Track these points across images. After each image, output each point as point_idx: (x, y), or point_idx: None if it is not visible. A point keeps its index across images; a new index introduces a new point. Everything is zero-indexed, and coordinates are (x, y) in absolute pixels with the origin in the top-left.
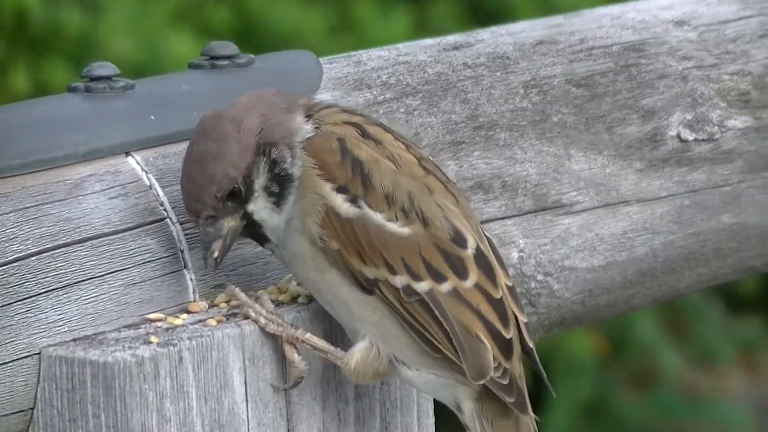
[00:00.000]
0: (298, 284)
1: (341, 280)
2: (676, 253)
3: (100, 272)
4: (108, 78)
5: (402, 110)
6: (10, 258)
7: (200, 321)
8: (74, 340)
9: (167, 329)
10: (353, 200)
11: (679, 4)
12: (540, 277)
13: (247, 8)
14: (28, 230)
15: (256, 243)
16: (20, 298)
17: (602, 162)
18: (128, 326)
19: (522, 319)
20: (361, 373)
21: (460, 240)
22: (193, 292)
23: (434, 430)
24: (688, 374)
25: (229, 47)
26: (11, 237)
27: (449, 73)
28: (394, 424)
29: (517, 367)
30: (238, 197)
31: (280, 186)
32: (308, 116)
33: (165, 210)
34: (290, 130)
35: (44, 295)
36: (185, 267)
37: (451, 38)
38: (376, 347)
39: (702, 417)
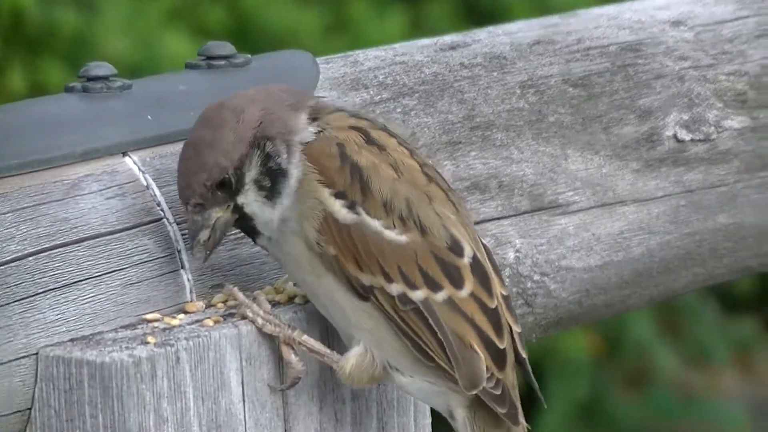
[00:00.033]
0: (295, 285)
1: (337, 286)
2: (672, 253)
3: (97, 272)
4: (105, 78)
5: (399, 110)
6: (8, 258)
7: (197, 321)
8: (72, 340)
9: (164, 329)
10: (351, 206)
11: (675, 5)
12: (536, 277)
13: (242, 8)
14: (25, 230)
15: (252, 243)
16: (18, 298)
17: (599, 162)
18: (125, 326)
19: (516, 329)
20: (356, 377)
21: (456, 248)
22: (190, 292)
23: (431, 430)
24: (683, 374)
25: (226, 47)
26: (9, 237)
27: (446, 73)
28: (390, 425)
29: (510, 376)
30: (228, 188)
31: (272, 180)
32: (314, 118)
33: (162, 210)
34: (290, 127)
35: (42, 295)
36: (182, 267)
37: (448, 38)
38: (371, 353)
39: (697, 417)
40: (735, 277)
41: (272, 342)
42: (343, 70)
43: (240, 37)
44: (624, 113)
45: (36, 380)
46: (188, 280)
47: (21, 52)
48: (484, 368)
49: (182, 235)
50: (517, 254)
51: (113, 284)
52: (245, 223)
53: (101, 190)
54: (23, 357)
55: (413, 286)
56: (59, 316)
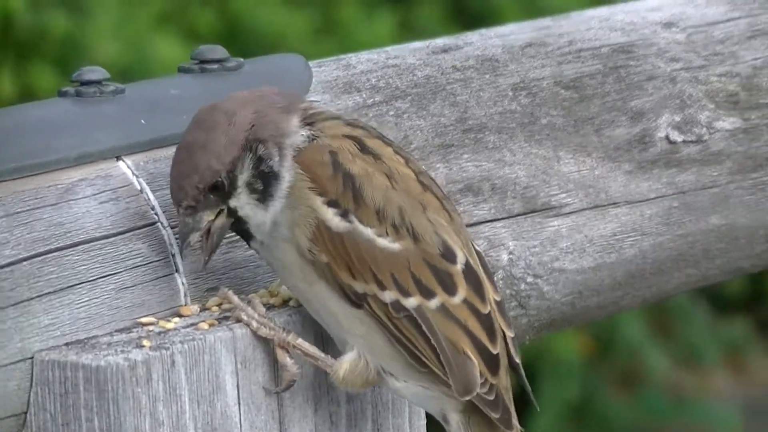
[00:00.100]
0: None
1: (329, 293)
2: (665, 254)
3: (92, 276)
4: (98, 82)
5: (391, 113)
6: (2, 263)
7: (192, 324)
8: (67, 344)
9: (159, 333)
10: (344, 214)
11: (667, 6)
12: (530, 279)
13: (231, 11)
14: (19, 235)
15: (247, 247)
16: (12, 302)
17: (591, 164)
18: (120, 330)
19: (509, 334)
20: (350, 382)
21: (449, 255)
22: (185, 295)
23: (426, 431)
24: (674, 375)
25: (219, 51)
26: (3, 242)
27: (438, 75)
28: (385, 426)
29: (503, 381)
30: (221, 191)
31: (264, 183)
32: (308, 123)
33: (156, 214)
34: (282, 129)
35: (36, 299)
36: (176, 271)
37: (440, 41)
38: (364, 358)
39: (688, 417)
40: (727, 278)
41: (267, 345)
42: (336, 73)
43: (230, 40)
44: (616, 115)
45: (31, 384)
46: (183, 283)
47: (11, 56)
48: (478, 374)
49: (176, 238)
50: (511, 256)
51: (108, 288)
52: (239, 226)
53: (95, 195)
54: (18, 361)
55: (406, 294)
56: (54, 320)
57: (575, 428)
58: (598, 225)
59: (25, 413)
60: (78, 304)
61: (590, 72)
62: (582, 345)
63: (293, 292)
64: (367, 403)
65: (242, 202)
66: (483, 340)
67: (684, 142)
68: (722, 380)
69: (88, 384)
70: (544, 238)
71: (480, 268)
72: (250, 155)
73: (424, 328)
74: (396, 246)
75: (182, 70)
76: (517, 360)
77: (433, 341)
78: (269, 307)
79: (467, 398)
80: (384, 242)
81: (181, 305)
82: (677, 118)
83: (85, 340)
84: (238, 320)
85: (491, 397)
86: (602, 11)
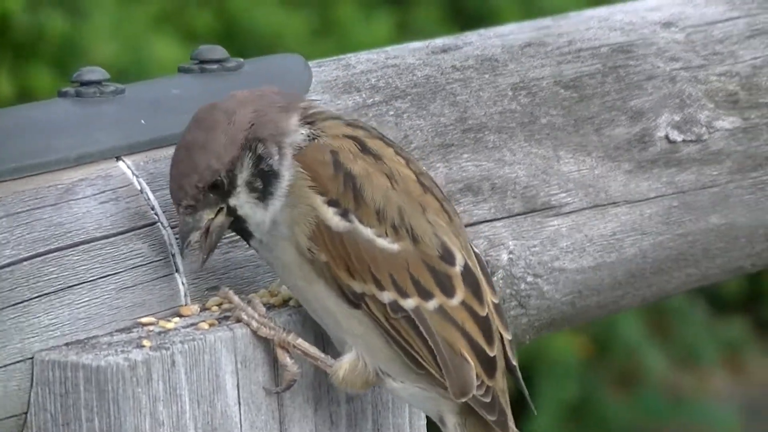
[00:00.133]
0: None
1: (328, 292)
2: (665, 253)
3: (92, 276)
4: (98, 83)
5: (391, 113)
6: (2, 263)
7: (192, 324)
8: (67, 344)
9: (159, 333)
10: (344, 214)
11: (666, 6)
12: (530, 279)
13: (229, 12)
14: (19, 235)
15: (247, 246)
16: (12, 302)
17: (591, 163)
18: (120, 330)
19: (506, 336)
20: (350, 382)
21: (448, 257)
22: (185, 295)
23: (426, 431)
24: (672, 375)
25: (218, 51)
26: (3, 242)
27: (438, 75)
28: (386, 426)
29: (500, 383)
30: (220, 190)
31: (264, 182)
32: (308, 122)
33: (156, 214)
34: (281, 129)
35: (37, 299)
36: (176, 271)
37: (440, 41)
38: (363, 359)
39: (686, 417)
40: (728, 278)
41: (267, 345)
42: (335, 73)
43: (227, 41)
44: (616, 114)
45: (32, 384)
46: (183, 283)
47: (8, 57)
48: (474, 376)
49: (176, 238)
50: (511, 256)
51: (108, 288)
52: (238, 225)
53: (95, 195)
54: (19, 361)
55: (404, 294)
56: (54, 320)
57: (573, 428)
58: (598, 224)
59: (26, 413)
60: (78, 304)
61: (590, 72)
62: (580, 345)
63: (292, 291)
64: (368, 402)
65: (242, 201)
66: (480, 342)
67: (684, 141)
68: (720, 380)
69: (89, 384)
70: (544, 238)
71: (479, 270)
72: (250, 154)
73: (421, 329)
74: (395, 247)
75: (182, 70)
76: (514, 362)
77: (430, 342)
78: (269, 307)
79: (463, 400)
80: (383, 243)
81: (182, 305)
82: (677, 118)
83: (86, 340)
84: (239, 320)
85: (487, 400)
86: (601, 11)
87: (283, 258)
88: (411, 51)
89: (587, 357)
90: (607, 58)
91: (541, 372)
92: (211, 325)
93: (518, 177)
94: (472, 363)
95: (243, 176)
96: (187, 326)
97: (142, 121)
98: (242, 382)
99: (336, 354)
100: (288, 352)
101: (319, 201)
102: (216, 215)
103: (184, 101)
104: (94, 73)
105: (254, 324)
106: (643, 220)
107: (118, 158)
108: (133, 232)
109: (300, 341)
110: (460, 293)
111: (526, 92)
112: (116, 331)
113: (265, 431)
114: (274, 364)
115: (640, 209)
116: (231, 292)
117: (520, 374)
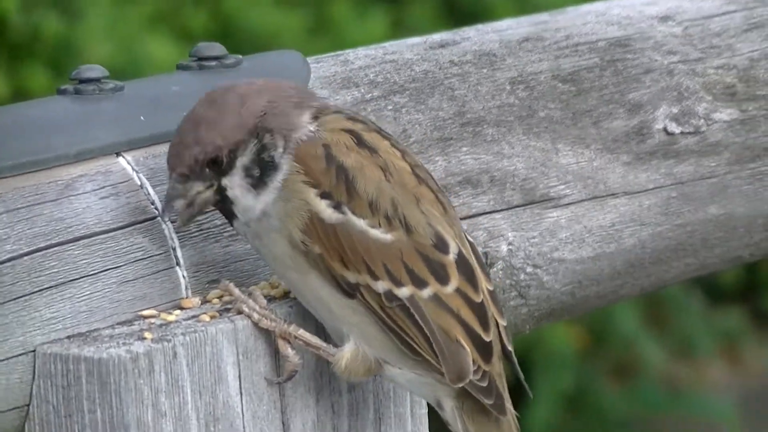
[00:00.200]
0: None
1: (322, 283)
2: (664, 244)
3: (93, 270)
4: (97, 80)
5: (390, 108)
6: (4, 258)
7: (193, 317)
8: (69, 337)
9: (161, 325)
10: (337, 206)
11: (663, 0)
12: (529, 270)
13: (224, 11)
14: (20, 230)
15: (246, 241)
16: (14, 296)
17: (589, 156)
18: (122, 323)
19: (502, 322)
20: (353, 370)
21: (442, 246)
22: (186, 288)
23: (427, 420)
24: (669, 366)
25: (217, 48)
26: (4, 237)
27: (436, 70)
28: (387, 415)
29: (496, 367)
30: (218, 167)
31: (261, 171)
32: (315, 117)
33: (156, 209)
34: (292, 124)
35: (38, 293)
36: (177, 264)
37: (437, 36)
38: (362, 348)
39: (684, 408)
40: (726, 267)
41: (268, 336)
42: (334, 69)
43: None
44: (614, 107)
45: (34, 377)
46: (183, 276)
47: (4, 57)
48: (471, 361)
49: (176, 232)
50: (510, 247)
51: (109, 282)
52: (224, 205)
53: (95, 190)
54: (21, 354)
55: (399, 284)
56: (56, 313)
57: (570, 419)
58: (597, 215)
59: (28, 406)
60: (79, 297)
61: (588, 65)
62: (576, 336)
63: (285, 283)
64: (369, 392)
65: (234, 183)
66: (476, 328)
67: (682, 133)
68: (717, 371)
69: (91, 376)
70: (543, 229)
71: (473, 258)
72: (255, 141)
73: (416, 317)
74: (388, 237)
75: (181, 67)
76: (510, 348)
77: (425, 330)
78: (270, 299)
79: (460, 385)
80: (376, 233)
81: (183, 298)
82: (675, 110)
83: (87, 333)
84: (240, 312)
85: (484, 384)
86: (598, 6)
87: (274, 250)
88: (409, 46)
89: (584, 348)
90: (605, 52)
91: (538, 363)
92: (212, 317)
93: (517, 169)
94: (468, 349)
95: (243, 160)
96: (189, 318)
97: (142, 118)
98: (244, 373)
99: (335, 345)
100: (289, 342)
101: (312, 194)
102: (205, 190)
103: (183, 98)
104: (93, 70)
105: (255, 316)
106: (641, 211)
107: (118, 154)
108: (133, 227)
109: (302, 332)
110: (455, 281)
111: (524, 86)
112: (118, 323)
113: (267, 421)
114: (276, 355)
115: (639, 200)
116: (232, 285)
117: (515, 359)
